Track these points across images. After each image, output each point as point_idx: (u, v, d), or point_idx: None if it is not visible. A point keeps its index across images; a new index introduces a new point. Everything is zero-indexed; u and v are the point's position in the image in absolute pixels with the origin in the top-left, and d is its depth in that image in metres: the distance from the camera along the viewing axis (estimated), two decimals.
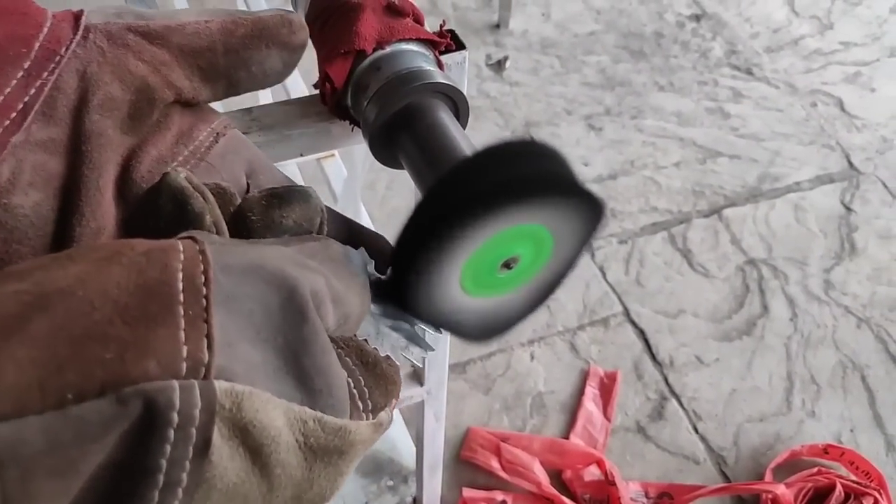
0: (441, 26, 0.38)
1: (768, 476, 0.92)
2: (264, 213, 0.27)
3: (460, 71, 0.40)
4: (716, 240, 1.19)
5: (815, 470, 0.91)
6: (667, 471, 0.94)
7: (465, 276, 0.27)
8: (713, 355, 1.05)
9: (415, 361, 0.28)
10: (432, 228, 0.25)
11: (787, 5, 1.65)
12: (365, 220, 0.73)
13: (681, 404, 1.00)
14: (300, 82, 0.83)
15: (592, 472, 0.92)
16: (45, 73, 0.26)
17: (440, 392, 0.65)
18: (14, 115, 0.25)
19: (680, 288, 1.13)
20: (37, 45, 0.25)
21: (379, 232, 0.32)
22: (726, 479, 0.94)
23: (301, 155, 0.39)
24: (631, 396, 1.01)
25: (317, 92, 0.38)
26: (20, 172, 0.25)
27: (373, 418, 0.24)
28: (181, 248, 0.20)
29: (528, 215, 0.26)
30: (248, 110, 0.38)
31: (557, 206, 0.27)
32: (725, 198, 1.25)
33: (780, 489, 0.87)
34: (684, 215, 1.23)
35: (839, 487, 0.88)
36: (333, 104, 0.37)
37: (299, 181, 1.05)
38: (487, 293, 0.29)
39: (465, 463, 0.93)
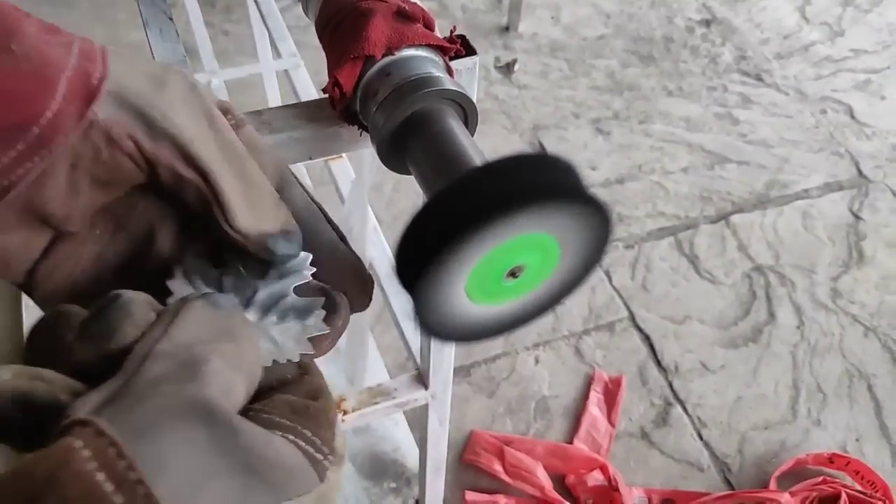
0: (451, 31, 0.38)
1: (773, 484, 0.91)
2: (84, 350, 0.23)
3: (471, 76, 0.40)
4: (723, 246, 1.19)
5: (820, 479, 0.90)
6: (670, 477, 0.94)
7: (470, 284, 0.27)
8: (719, 362, 1.05)
9: (318, 332, 0.27)
10: (433, 241, 0.25)
11: (798, 12, 1.64)
12: (371, 222, 0.73)
13: (685, 411, 1.00)
14: (310, 85, 0.83)
15: (596, 478, 0.92)
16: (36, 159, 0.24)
17: (445, 396, 0.65)
18: None
19: (686, 294, 1.13)
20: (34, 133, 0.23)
21: (386, 234, 0.31)
22: (730, 486, 0.93)
23: (310, 158, 0.39)
24: (635, 402, 1.00)
25: (327, 95, 0.38)
26: None
27: (333, 458, 0.24)
28: (80, 445, 0.18)
29: (531, 225, 0.26)
30: (259, 112, 0.38)
31: (560, 215, 0.26)
32: (733, 204, 1.25)
33: (785, 497, 0.87)
34: (691, 221, 1.22)
35: (844, 497, 0.87)
36: (342, 109, 0.37)
37: (306, 181, 1.05)
38: (493, 301, 0.29)
39: (468, 466, 0.93)
